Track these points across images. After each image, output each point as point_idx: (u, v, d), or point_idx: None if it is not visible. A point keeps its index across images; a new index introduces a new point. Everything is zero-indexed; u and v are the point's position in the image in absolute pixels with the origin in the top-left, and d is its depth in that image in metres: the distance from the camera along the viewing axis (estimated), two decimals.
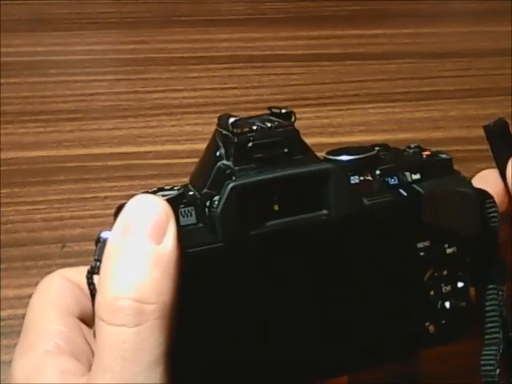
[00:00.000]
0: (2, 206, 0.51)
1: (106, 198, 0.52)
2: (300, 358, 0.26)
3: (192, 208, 0.25)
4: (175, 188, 0.26)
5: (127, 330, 0.22)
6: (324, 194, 0.25)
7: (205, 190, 0.26)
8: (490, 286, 0.29)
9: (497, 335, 0.28)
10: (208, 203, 0.25)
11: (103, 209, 0.51)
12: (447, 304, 0.28)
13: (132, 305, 0.22)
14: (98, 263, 0.24)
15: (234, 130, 0.25)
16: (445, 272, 0.28)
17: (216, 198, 0.25)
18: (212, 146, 0.27)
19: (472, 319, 0.29)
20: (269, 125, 0.26)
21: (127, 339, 0.22)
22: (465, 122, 0.61)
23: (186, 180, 0.54)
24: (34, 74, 0.63)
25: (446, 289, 0.28)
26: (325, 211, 0.25)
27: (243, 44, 0.69)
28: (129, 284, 0.23)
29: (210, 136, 0.52)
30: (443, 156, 0.29)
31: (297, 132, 0.26)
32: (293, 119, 0.26)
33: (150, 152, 0.56)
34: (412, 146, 0.30)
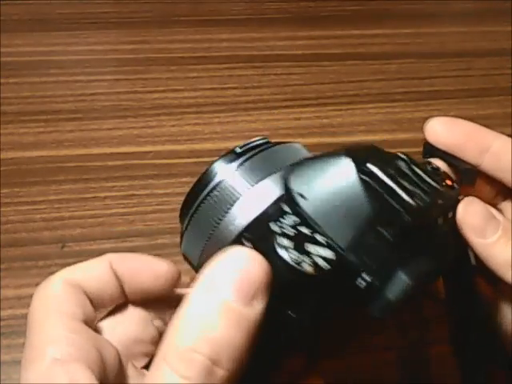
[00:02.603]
0: (2, 206, 0.51)
1: (105, 197, 0.52)
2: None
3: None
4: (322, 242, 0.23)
5: None
6: None
7: (351, 253, 0.23)
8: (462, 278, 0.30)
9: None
10: (368, 278, 0.22)
11: (103, 209, 0.51)
12: None
13: (205, 362, 0.21)
14: None
15: (411, 211, 0.23)
16: None
17: (380, 282, 0.22)
18: (358, 199, 0.23)
19: None
20: (440, 202, 0.24)
21: None
22: None
23: (186, 180, 0.53)
24: (33, 74, 0.63)
25: None
26: None
27: (243, 44, 0.69)
28: (207, 340, 0.21)
29: (209, 136, 0.51)
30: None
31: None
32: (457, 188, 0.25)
33: (150, 152, 0.56)
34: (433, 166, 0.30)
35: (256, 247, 0.22)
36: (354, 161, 0.24)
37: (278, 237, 0.23)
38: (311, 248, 0.23)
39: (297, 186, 0.24)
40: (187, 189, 0.51)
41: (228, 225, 0.26)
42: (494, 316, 0.32)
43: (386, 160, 0.25)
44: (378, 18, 0.75)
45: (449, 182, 0.29)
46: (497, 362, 0.31)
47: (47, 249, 0.48)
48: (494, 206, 0.35)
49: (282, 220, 0.23)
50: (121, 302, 0.29)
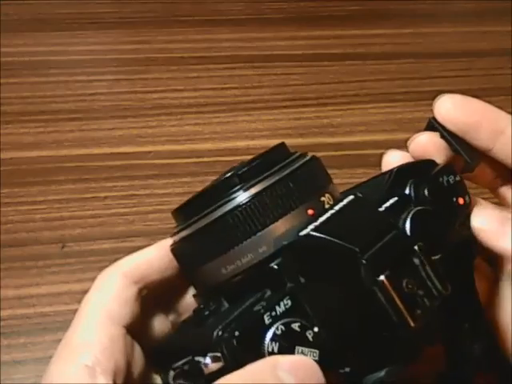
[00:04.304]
0: (2, 206, 0.51)
1: (105, 197, 0.52)
2: None
3: None
4: None
5: None
6: None
7: (341, 350, 0.23)
8: None
9: None
10: (349, 370, 0.23)
11: (103, 209, 0.51)
12: None
13: None
14: None
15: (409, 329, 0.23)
16: None
17: None
18: (361, 306, 0.23)
19: None
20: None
21: None
22: None
23: (186, 180, 0.53)
24: (34, 74, 0.63)
25: None
26: None
27: (243, 44, 0.69)
28: None
29: (209, 136, 0.51)
30: None
31: None
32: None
33: (150, 152, 0.56)
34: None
35: None
36: (371, 269, 0.23)
37: (266, 333, 0.22)
38: (298, 349, 0.22)
39: (299, 267, 0.24)
40: (187, 189, 0.52)
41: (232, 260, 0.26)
42: (492, 315, 0.31)
43: (401, 260, 0.24)
44: (378, 17, 0.75)
45: (461, 201, 0.28)
46: (494, 363, 0.31)
47: (47, 249, 0.48)
48: (493, 188, 0.34)
49: (271, 302, 0.23)
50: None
